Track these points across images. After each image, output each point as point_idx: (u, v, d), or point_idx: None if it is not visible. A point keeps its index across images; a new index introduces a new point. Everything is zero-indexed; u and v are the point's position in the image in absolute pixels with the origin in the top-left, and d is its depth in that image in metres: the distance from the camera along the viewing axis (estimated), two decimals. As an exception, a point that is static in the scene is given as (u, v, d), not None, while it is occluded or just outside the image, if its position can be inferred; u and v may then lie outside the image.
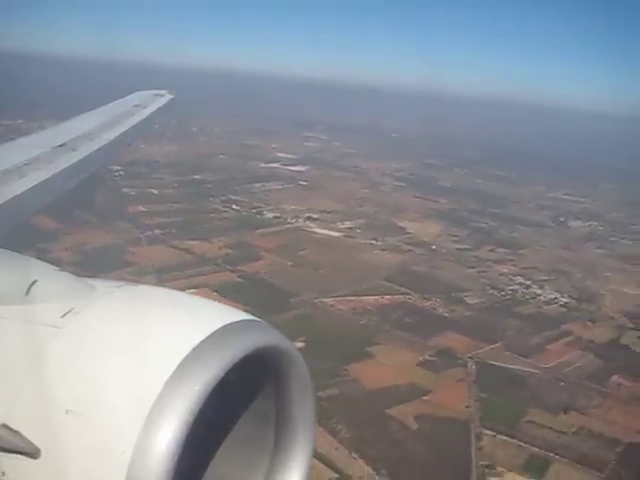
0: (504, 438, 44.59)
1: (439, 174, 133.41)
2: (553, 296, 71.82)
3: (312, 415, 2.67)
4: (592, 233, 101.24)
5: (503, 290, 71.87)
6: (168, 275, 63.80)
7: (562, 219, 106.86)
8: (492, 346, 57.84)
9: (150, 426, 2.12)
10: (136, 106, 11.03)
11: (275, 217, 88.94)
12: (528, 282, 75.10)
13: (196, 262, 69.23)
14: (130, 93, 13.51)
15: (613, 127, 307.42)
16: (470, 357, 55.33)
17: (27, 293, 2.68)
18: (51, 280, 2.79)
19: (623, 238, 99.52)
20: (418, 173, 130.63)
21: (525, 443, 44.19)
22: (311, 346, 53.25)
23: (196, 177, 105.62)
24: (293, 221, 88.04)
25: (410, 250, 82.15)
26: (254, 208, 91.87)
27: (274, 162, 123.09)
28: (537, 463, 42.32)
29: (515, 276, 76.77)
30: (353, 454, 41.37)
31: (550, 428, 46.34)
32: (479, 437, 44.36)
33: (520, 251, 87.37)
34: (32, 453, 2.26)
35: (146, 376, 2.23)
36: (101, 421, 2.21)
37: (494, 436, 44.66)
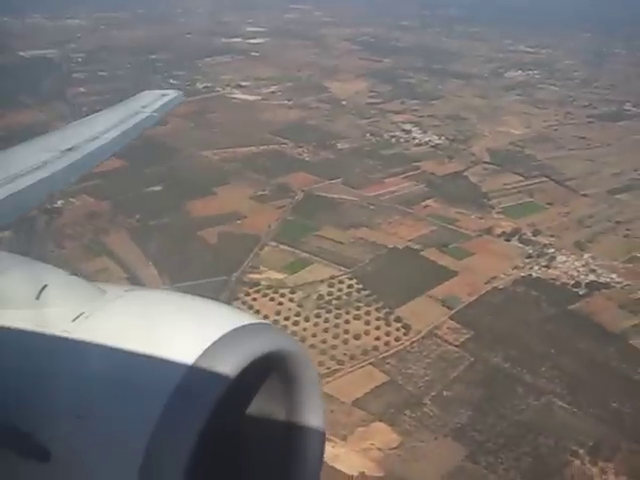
0: (284, 247, 53.60)
1: (406, 35, 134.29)
2: (429, 139, 77.32)
3: (321, 415, 2.75)
4: (524, 82, 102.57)
5: (381, 136, 78.00)
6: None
7: (501, 70, 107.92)
8: (331, 181, 65.56)
9: (161, 430, 2.20)
10: (143, 107, 11.25)
11: (205, 87, 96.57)
12: (415, 128, 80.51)
13: (106, 129, 79.04)
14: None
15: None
16: (303, 190, 63.54)
17: (38, 297, 2.74)
18: (62, 284, 2.88)
19: (553, 85, 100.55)
20: (382, 36, 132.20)
21: (299, 250, 53.10)
22: (166, 189, 63.35)
23: (152, 57, 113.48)
24: (220, 89, 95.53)
25: (317, 107, 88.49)
26: (190, 81, 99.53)
27: (237, 37, 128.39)
28: (298, 264, 51.37)
29: (405, 123, 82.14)
30: (150, 262, 51.95)
31: (332, 240, 54.81)
32: (262, 247, 53.67)
33: (432, 102, 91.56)
34: (42, 456, 2.32)
35: (156, 380, 2.32)
36: (111, 425, 2.29)
37: (276, 246, 53.82)
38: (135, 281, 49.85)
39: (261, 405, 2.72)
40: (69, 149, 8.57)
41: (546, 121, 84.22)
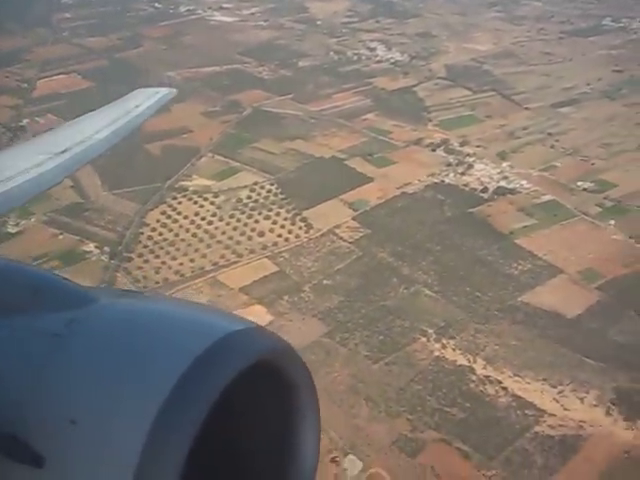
0: (219, 158, 57.20)
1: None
2: (391, 56, 78.28)
3: (316, 416, 2.75)
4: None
5: (344, 54, 79.24)
6: (50, 65, 77.98)
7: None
8: (281, 97, 67.98)
9: (155, 435, 2.20)
10: (136, 106, 11.45)
11: (187, 10, 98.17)
12: (380, 46, 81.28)
13: (83, 54, 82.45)
14: None
15: None
16: (252, 106, 66.33)
17: (30, 302, 2.74)
18: (54, 289, 2.85)
19: (537, 1, 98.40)
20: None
21: (232, 160, 56.63)
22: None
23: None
24: (201, 12, 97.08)
25: (292, 28, 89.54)
26: (174, 4, 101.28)
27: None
28: (227, 172, 55.04)
29: (373, 42, 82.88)
30: (96, 173, 56.32)
31: (265, 151, 58.02)
32: (199, 158, 57.38)
33: (407, 20, 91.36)
34: (37, 462, 2.33)
35: (150, 385, 2.32)
36: (105, 431, 2.28)
37: (212, 157, 57.47)
38: (78, 188, 54.63)
39: (256, 408, 2.72)
40: (62, 151, 8.75)
41: (516, 37, 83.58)
